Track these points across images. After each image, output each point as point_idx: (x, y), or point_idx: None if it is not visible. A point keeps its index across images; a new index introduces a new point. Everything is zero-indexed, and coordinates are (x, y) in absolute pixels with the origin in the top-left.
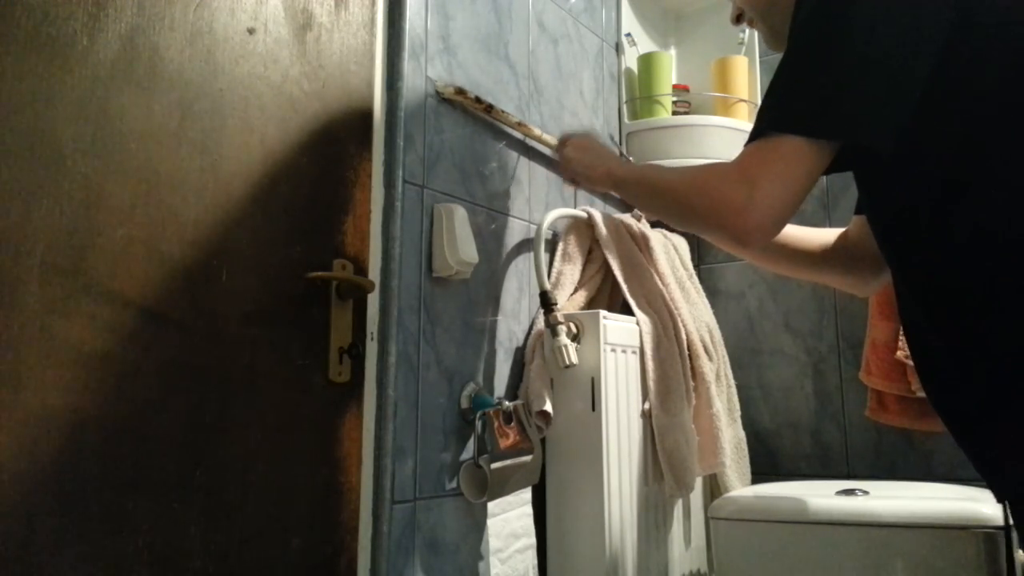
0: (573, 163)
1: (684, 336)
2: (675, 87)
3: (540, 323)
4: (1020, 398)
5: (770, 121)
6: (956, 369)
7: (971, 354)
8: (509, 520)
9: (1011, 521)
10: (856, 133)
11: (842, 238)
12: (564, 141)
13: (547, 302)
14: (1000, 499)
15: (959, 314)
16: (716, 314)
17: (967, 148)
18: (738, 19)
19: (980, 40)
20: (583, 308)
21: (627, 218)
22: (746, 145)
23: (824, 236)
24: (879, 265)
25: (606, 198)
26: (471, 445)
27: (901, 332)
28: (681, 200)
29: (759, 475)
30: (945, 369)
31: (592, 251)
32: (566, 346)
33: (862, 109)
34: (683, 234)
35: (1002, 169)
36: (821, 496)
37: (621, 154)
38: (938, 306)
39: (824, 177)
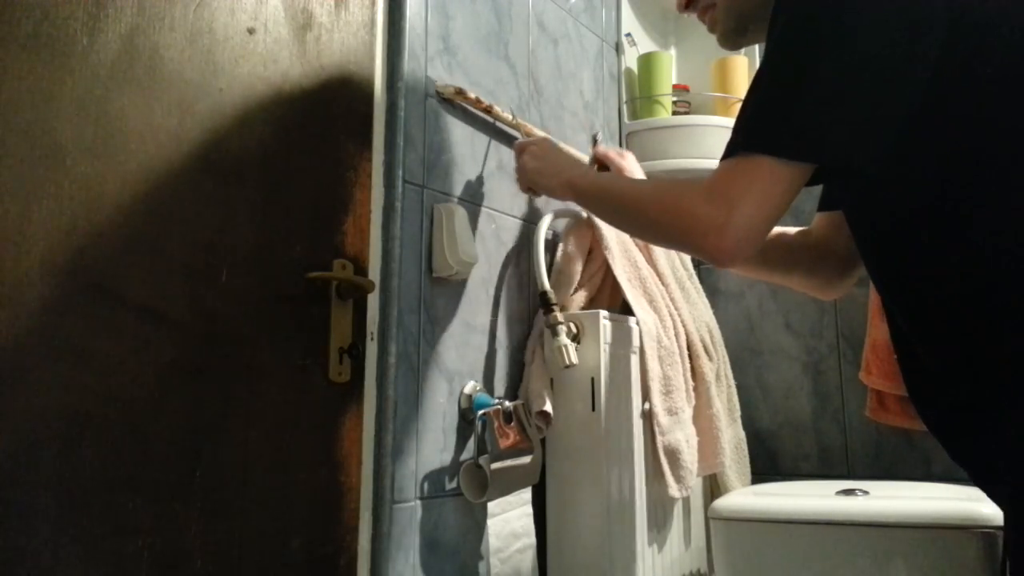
0: (531, 172)
1: (684, 336)
2: (675, 87)
3: (540, 323)
4: (1010, 408)
5: (747, 140)
6: (943, 381)
7: (960, 366)
8: (509, 520)
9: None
10: (839, 156)
11: (803, 236)
12: (521, 149)
13: (547, 302)
14: (999, 505)
15: (948, 327)
16: (716, 314)
17: (962, 159)
18: (688, 5)
19: (972, 45)
20: (583, 308)
21: None
22: (721, 161)
23: (785, 236)
24: (844, 266)
25: None
26: (471, 445)
27: None
28: (651, 217)
29: (759, 475)
30: (932, 381)
31: (592, 251)
32: (566, 346)
33: (846, 131)
34: None
35: (997, 179)
36: (821, 496)
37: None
38: (927, 318)
39: None
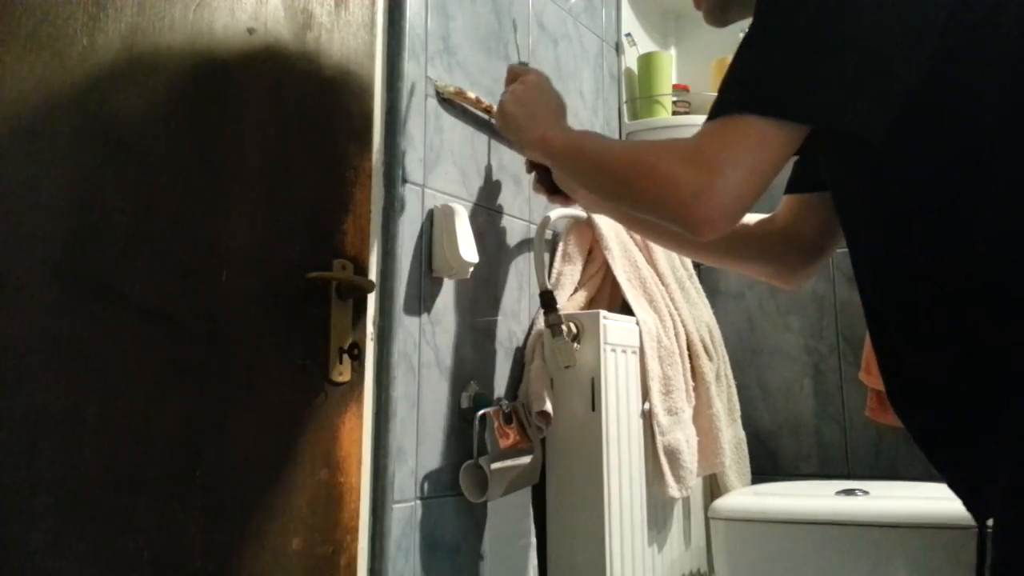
0: (508, 118)
1: (684, 336)
2: (675, 87)
3: (540, 323)
4: (1015, 399)
5: (736, 99)
6: (940, 383)
7: (958, 365)
8: (509, 520)
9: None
10: (838, 117)
11: (767, 223)
12: (510, 79)
13: (547, 302)
14: (978, 519)
15: (947, 325)
16: (716, 314)
17: (971, 143)
18: None
19: (971, 41)
20: (583, 308)
21: None
22: (706, 123)
23: (747, 222)
24: (808, 255)
25: None
26: (471, 445)
27: None
28: (623, 180)
29: (759, 475)
30: (925, 385)
31: (592, 251)
32: (566, 346)
33: (845, 92)
34: None
35: (997, 177)
36: (821, 496)
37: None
38: (924, 318)
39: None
